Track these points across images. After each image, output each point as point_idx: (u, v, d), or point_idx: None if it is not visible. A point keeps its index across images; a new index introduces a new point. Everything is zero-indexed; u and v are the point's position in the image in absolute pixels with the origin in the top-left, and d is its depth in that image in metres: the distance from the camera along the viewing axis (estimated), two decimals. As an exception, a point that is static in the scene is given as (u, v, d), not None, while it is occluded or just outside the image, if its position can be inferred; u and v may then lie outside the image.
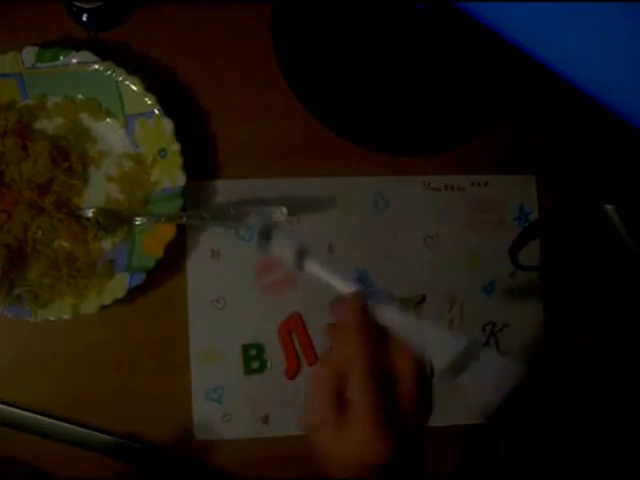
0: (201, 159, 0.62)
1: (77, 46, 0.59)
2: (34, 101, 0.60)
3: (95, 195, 0.61)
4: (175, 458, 0.62)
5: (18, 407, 0.60)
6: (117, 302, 0.59)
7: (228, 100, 0.63)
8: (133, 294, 0.59)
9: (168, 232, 0.59)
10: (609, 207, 0.65)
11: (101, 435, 0.61)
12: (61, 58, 0.59)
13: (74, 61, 0.59)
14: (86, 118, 0.61)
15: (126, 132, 0.60)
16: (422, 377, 0.41)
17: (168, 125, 0.59)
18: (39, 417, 0.60)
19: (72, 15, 0.61)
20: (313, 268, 0.45)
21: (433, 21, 0.60)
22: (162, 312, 0.62)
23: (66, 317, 0.59)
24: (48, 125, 0.60)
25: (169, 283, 0.62)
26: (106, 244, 0.60)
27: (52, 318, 0.58)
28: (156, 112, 0.59)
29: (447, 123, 0.66)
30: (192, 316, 0.62)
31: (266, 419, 0.63)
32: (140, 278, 0.59)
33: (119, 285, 0.59)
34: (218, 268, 0.63)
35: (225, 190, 0.63)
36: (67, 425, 0.60)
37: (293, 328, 0.63)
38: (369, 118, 0.65)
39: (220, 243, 0.63)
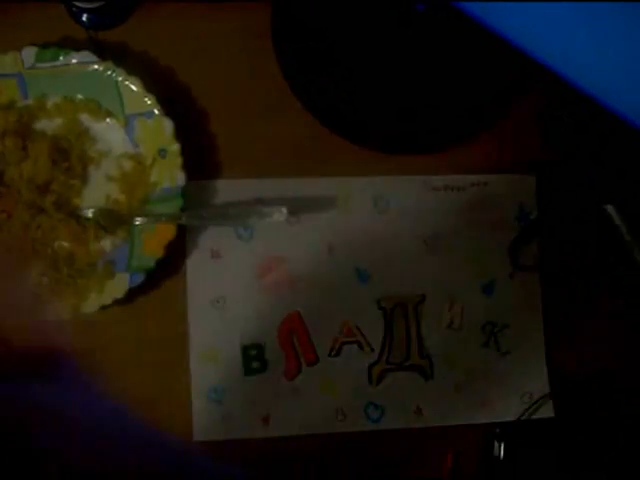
0: (201, 159, 0.62)
1: (77, 46, 0.59)
2: (34, 101, 0.60)
3: (95, 195, 0.61)
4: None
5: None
6: (117, 302, 0.59)
7: (228, 100, 0.63)
8: (133, 294, 0.59)
9: (168, 232, 0.59)
10: (609, 207, 0.65)
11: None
12: (61, 58, 0.59)
13: (74, 61, 0.59)
14: (86, 118, 0.61)
15: (126, 132, 0.60)
16: None
17: (168, 125, 0.59)
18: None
19: (72, 15, 0.61)
20: None
21: (433, 21, 0.61)
22: (162, 312, 0.62)
23: (66, 317, 0.59)
24: (48, 125, 0.60)
25: (169, 283, 0.62)
26: (106, 244, 0.60)
27: (52, 318, 0.58)
28: (156, 112, 0.59)
29: (447, 123, 0.66)
30: (192, 316, 0.62)
31: (266, 419, 0.63)
32: (140, 278, 0.59)
33: (119, 285, 0.59)
34: (218, 268, 0.62)
35: (225, 190, 0.63)
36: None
37: (293, 328, 0.63)
38: (369, 118, 0.65)
39: (220, 243, 0.63)
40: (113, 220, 0.60)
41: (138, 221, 0.59)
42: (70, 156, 0.60)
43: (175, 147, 0.59)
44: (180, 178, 0.59)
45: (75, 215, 0.60)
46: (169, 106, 0.60)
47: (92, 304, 0.59)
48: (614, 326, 0.67)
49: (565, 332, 0.66)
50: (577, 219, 0.66)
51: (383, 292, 0.64)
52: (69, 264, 0.59)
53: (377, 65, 0.64)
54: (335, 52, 0.64)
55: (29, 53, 0.59)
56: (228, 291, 0.63)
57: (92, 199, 0.60)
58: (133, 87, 0.59)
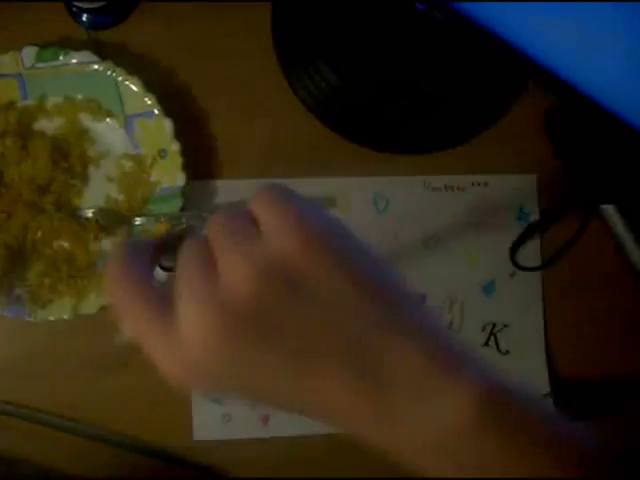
0: (201, 159, 0.62)
1: (77, 46, 0.59)
2: (34, 101, 0.60)
3: (95, 195, 0.61)
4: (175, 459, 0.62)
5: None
6: (117, 302, 0.59)
7: (228, 100, 0.63)
8: (133, 294, 0.59)
9: (168, 232, 0.59)
10: (609, 207, 0.65)
11: (103, 433, 0.61)
12: (61, 58, 0.59)
13: (74, 61, 0.59)
14: (86, 118, 0.61)
15: (126, 132, 0.60)
16: None
17: (168, 125, 0.59)
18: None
19: (72, 15, 0.61)
20: None
21: (433, 21, 0.60)
22: (162, 312, 0.62)
23: (66, 317, 0.58)
24: (48, 125, 0.60)
25: (169, 283, 0.62)
26: (106, 244, 0.60)
27: (52, 318, 0.58)
28: (156, 112, 0.59)
29: (447, 123, 0.66)
30: (192, 316, 0.62)
31: (266, 419, 0.63)
32: (140, 278, 0.59)
33: (119, 285, 0.59)
34: (218, 268, 0.62)
35: (225, 190, 0.63)
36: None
37: (293, 328, 0.63)
38: (369, 118, 0.65)
39: (220, 243, 0.63)
40: (113, 220, 0.60)
41: (138, 221, 0.59)
42: (70, 156, 0.60)
43: (175, 147, 0.59)
44: (180, 178, 0.59)
45: (75, 215, 0.60)
46: (169, 106, 0.60)
47: (92, 304, 0.59)
48: (614, 326, 0.67)
49: (565, 332, 0.66)
50: (577, 219, 0.66)
51: (383, 292, 0.64)
52: (69, 264, 0.59)
53: (377, 64, 0.64)
54: (335, 52, 0.64)
55: (29, 53, 0.58)
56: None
57: (92, 199, 0.60)
58: (133, 87, 0.59)
